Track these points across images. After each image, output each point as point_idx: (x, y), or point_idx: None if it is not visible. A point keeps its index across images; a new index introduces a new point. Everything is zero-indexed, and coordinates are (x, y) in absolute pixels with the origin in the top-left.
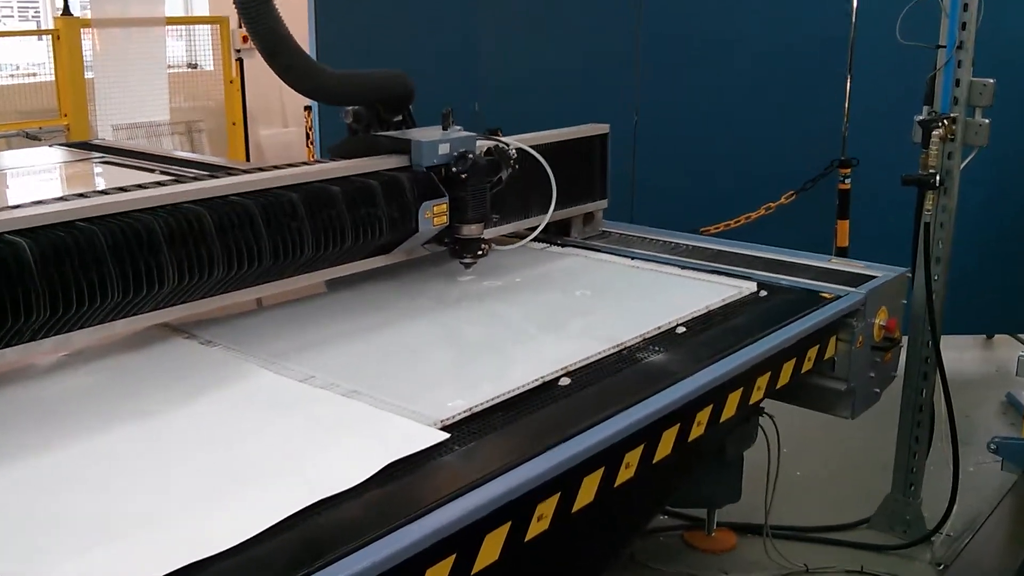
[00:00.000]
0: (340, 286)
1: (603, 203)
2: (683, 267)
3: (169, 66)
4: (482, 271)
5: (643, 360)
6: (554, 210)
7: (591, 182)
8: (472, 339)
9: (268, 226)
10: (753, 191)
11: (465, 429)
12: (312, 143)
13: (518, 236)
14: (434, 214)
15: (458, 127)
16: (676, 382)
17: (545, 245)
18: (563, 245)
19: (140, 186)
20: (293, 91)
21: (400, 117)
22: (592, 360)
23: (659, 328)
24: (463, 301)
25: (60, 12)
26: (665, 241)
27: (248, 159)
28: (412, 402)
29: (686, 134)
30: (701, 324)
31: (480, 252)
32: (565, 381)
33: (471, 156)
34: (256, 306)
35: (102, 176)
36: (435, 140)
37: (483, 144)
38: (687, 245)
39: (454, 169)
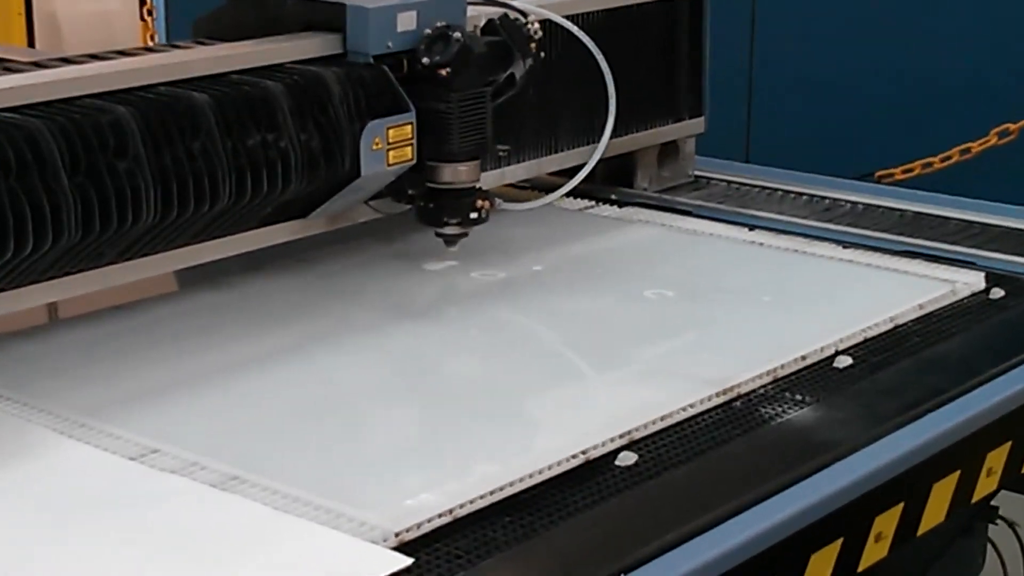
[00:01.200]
0: (209, 280)
1: (697, 125)
2: (845, 243)
3: None
4: (475, 252)
5: (772, 419)
6: (610, 138)
7: (673, 87)
8: (455, 380)
9: (71, 169)
10: (949, 117)
11: (442, 550)
12: (152, 14)
13: (540, 188)
14: (388, 144)
15: None
16: (832, 462)
17: (590, 203)
18: (622, 204)
19: None
20: None
21: None
22: (678, 419)
23: (803, 359)
24: (440, 309)
25: None
26: (811, 195)
27: (32, 44)
28: (343, 498)
29: (837, 17)
30: (881, 351)
31: (474, 216)
32: (627, 459)
33: (457, 36)
34: (47, 319)
35: None
36: (390, 5)
37: (480, 14)
38: (851, 203)
39: (425, 60)
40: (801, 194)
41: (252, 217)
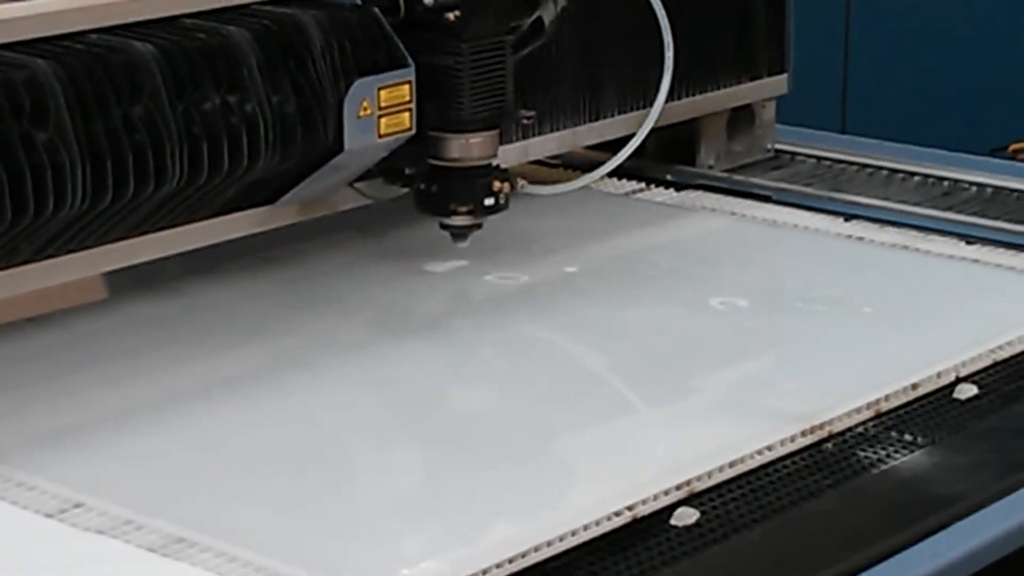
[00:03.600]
0: (151, 286)
1: (779, 84)
2: (969, 237)
3: None
4: (491, 249)
5: (874, 466)
6: (665, 101)
7: (748, 35)
8: (465, 415)
9: None
10: None
11: None
12: None
13: (575, 167)
14: (380, 109)
15: None
16: (952, 522)
17: (639, 186)
18: (681, 186)
19: None
20: None
21: None
22: (752, 466)
23: (914, 388)
24: (446, 323)
25: None
26: (925, 176)
27: None
28: (322, 568)
29: None
30: (1015, 379)
31: (490, 202)
32: (686, 516)
33: None
34: None
35: None
36: None
37: None
38: (977, 186)
39: (428, 1)
40: (913, 174)
41: (208, 203)
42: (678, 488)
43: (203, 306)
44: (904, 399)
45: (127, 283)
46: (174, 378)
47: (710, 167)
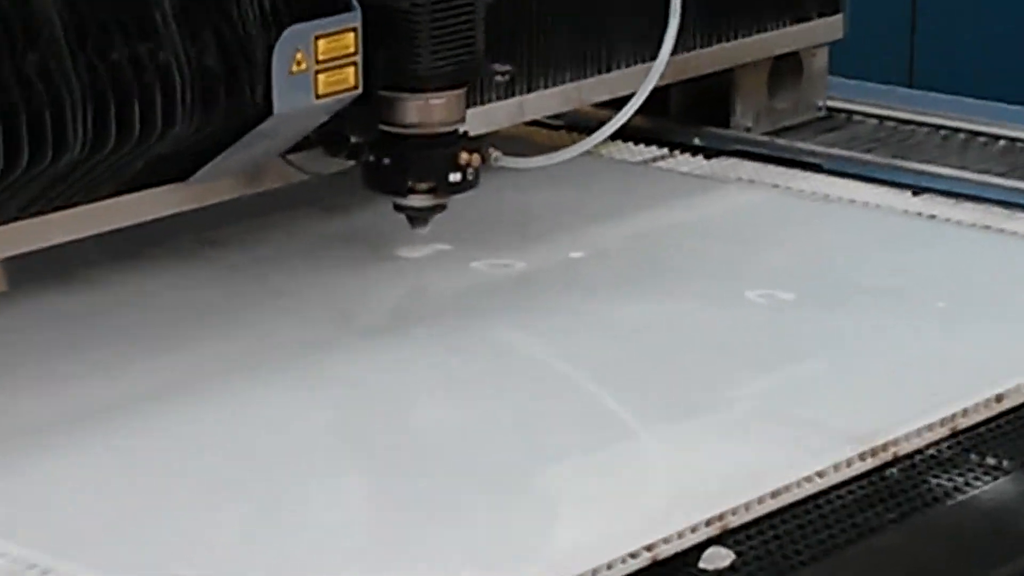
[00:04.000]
0: (58, 275)
1: (832, 27)
2: None
3: None
4: (478, 229)
5: (950, 495)
6: (674, 45)
7: None
8: (440, 433)
9: None
10: None
11: None
12: None
13: (580, 128)
14: (318, 63)
15: None
16: None
17: (659, 152)
18: (711, 153)
19: None
20: None
21: None
22: (800, 495)
23: (998, 401)
24: (420, 320)
25: None
26: (1011, 139)
27: None
28: None
29: None
30: None
31: (455, 178)
32: (718, 558)
33: None
34: None
35: None
36: None
37: None
38: None
39: None
40: (996, 137)
41: (112, 177)
42: (708, 524)
43: (122, 301)
44: (985, 414)
45: (31, 273)
46: (83, 389)
47: (748, 129)
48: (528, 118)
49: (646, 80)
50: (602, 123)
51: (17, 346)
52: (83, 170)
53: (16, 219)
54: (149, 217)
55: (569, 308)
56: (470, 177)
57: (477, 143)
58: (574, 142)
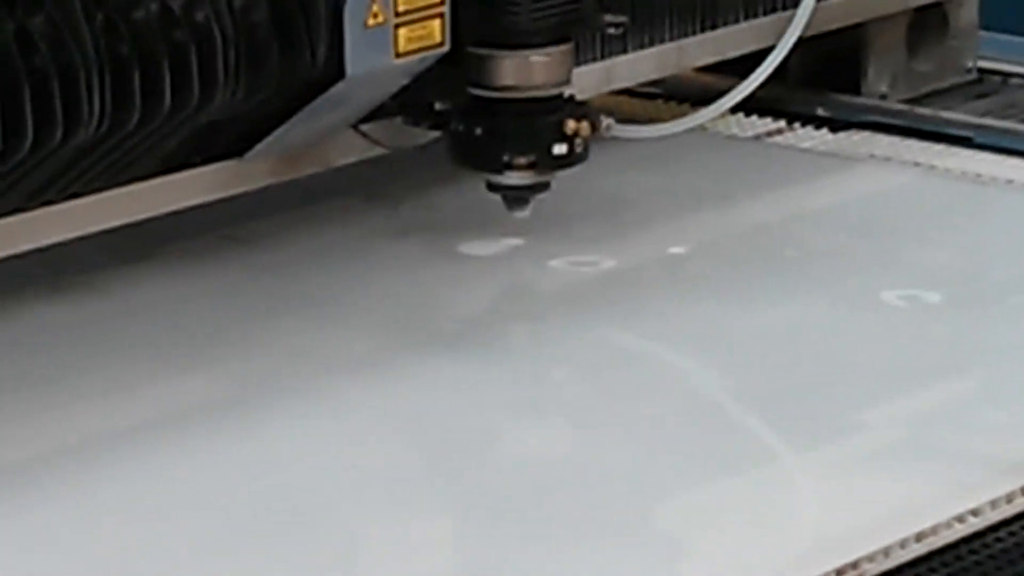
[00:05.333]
0: (62, 278)
1: None
2: None
3: None
4: (558, 221)
5: None
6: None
7: None
8: (522, 466)
9: None
10: None
11: None
12: None
13: (683, 98)
14: (397, 16)
15: None
16: None
17: (776, 124)
18: (838, 125)
19: None
20: None
21: None
22: (950, 539)
23: None
24: (492, 330)
25: None
26: None
27: None
28: None
29: None
30: None
31: (561, 150)
32: None
33: None
34: None
35: None
36: None
37: None
38: None
39: None
40: None
41: (142, 158)
42: (840, 573)
43: (137, 309)
44: None
45: (28, 276)
46: (95, 412)
47: (882, 96)
48: (617, 86)
49: (787, 32)
50: (707, 92)
51: (10, 362)
52: (101, 151)
53: (18, 211)
54: (159, 212)
55: (669, 315)
56: (578, 149)
57: (585, 109)
58: (675, 115)
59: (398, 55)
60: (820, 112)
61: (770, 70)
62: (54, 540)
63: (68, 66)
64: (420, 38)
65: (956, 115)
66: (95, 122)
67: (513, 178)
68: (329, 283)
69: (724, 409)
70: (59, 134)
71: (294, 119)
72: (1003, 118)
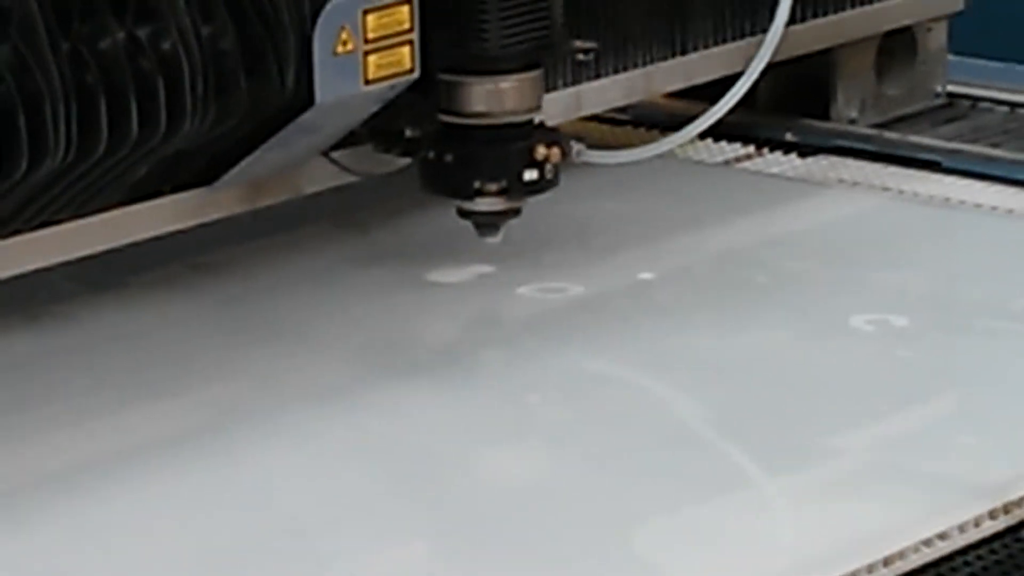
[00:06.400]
0: (24, 309)
1: None
2: None
3: None
4: (529, 247)
5: None
6: (785, 24)
7: None
8: (494, 493)
9: None
10: None
11: None
12: None
13: (652, 124)
14: (366, 41)
15: None
16: None
17: (745, 150)
18: (807, 150)
19: None
20: None
21: None
22: (918, 562)
23: None
24: (463, 358)
25: None
26: None
27: None
28: None
29: None
30: None
31: (531, 176)
32: None
33: None
34: None
35: None
36: None
37: None
38: None
39: None
40: None
41: (110, 187)
42: None
43: (106, 338)
44: None
45: None
46: (62, 441)
47: (852, 121)
48: (586, 112)
49: (756, 57)
50: (676, 117)
51: None
52: (67, 180)
53: None
54: (128, 240)
55: (639, 341)
56: (549, 175)
57: (555, 135)
58: (644, 142)
59: (367, 82)
60: (789, 137)
61: (739, 96)
62: (17, 570)
63: (34, 95)
64: (390, 65)
65: (925, 139)
66: (61, 151)
67: (484, 204)
68: (299, 311)
69: (694, 434)
70: (24, 164)
71: (264, 147)
72: (972, 142)
